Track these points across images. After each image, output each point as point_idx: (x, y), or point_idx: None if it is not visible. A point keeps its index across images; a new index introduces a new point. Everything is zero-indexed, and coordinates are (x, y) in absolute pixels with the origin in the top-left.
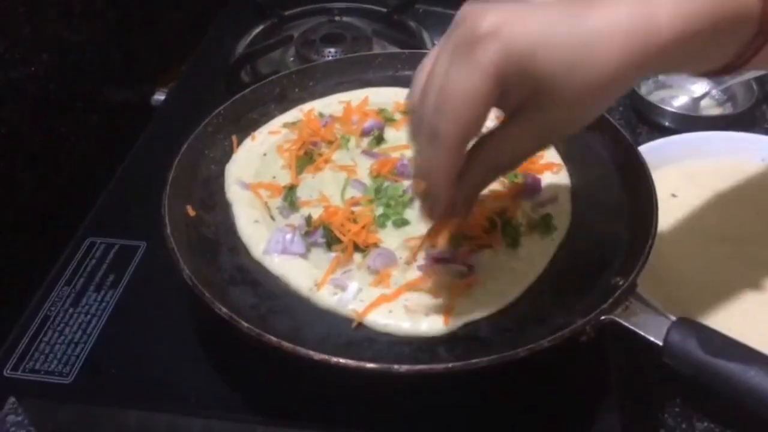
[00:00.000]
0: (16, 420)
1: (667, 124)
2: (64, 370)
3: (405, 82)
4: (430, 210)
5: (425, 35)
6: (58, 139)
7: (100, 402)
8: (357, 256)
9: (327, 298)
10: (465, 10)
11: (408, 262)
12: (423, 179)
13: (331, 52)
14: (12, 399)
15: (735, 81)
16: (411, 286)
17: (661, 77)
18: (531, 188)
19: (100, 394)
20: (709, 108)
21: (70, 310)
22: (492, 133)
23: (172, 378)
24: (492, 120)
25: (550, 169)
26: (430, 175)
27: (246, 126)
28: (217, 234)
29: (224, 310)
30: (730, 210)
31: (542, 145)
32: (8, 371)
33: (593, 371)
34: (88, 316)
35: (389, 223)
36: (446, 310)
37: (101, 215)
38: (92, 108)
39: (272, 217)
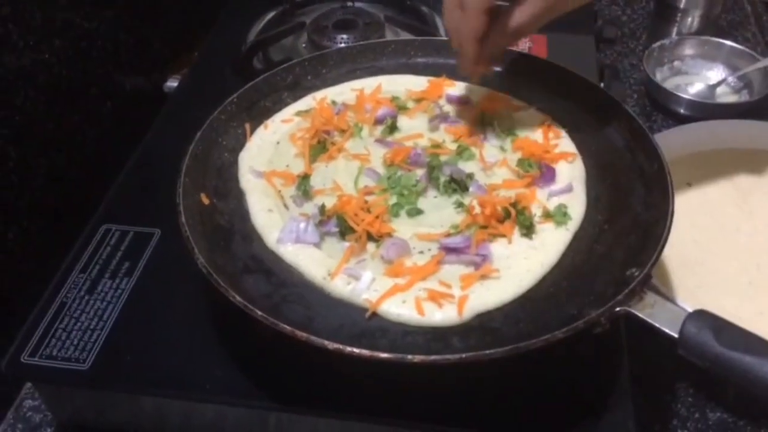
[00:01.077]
0: (33, 404)
1: (682, 111)
2: (81, 356)
3: (418, 70)
4: (462, 62)
5: (438, 21)
6: (72, 126)
7: (115, 388)
8: (370, 246)
9: (341, 287)
10: None
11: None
12: (454, 40)
13: (343, 39)
14: (29, 384)
15: (751, 68)
16: (424, 276)
17: (676, 63)
18: (546, 178)
19: (115, 380)
20: (725, 95)
21: (86, 297)
22: (509, 7)
23: (187, 365)
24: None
25: (565, 159)
26: (460, 36)
27: (259, 114)
28: (231, 222)
29: (238, 298)
30: (746, 199)
31: (543, 16)
32: (25, 357)
33: (606, 361)
34: (104, 303)
35: (403, 213)
36: (460, 301)
37: (116, 202)
38: (105, 95)
39: (286, 206)
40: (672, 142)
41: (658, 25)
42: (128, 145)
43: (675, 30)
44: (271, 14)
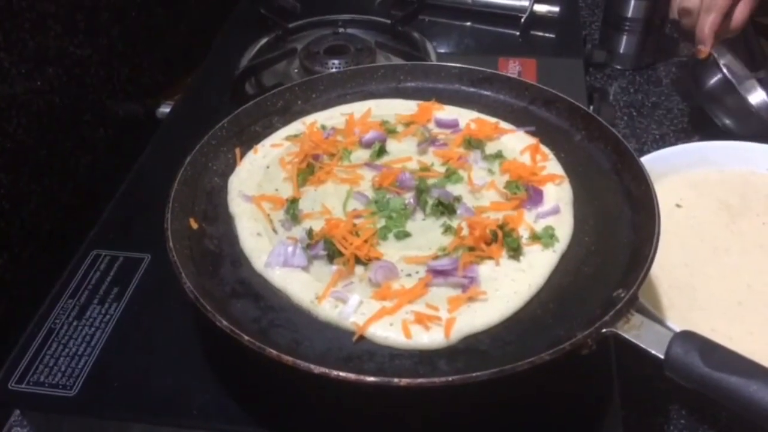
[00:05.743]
0: None
1: None
2: (68, 382)
3: (407, 94)
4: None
5: (429, 46)
6: (65, 152)
7: (103, 415)
8: (358, 269)
9: (328, 310)
10: None
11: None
12: (698, 40)
13: (335, 64)
14: (17, 411)
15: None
16: (412, 299)
17: None
18: (533, 200)
19: (103, 406)
20: None
21: (75, 323)
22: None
23: (175, 390)
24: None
25: (553, 181)
26: (703, 35)
27: (249, 139)
28: (220, 247)
29: (225, 323)
30: (736, 220)
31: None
32: (13, 384)
33: (596, 383)
34: (92, 329)
35: (391, 236)
36: (447, 323)
37: (106, 228)
38: (98, 121)
39: (274, 230)
40: (661, 163)
41: None
42: (121, 171)
43: None
44: (264, 40)
